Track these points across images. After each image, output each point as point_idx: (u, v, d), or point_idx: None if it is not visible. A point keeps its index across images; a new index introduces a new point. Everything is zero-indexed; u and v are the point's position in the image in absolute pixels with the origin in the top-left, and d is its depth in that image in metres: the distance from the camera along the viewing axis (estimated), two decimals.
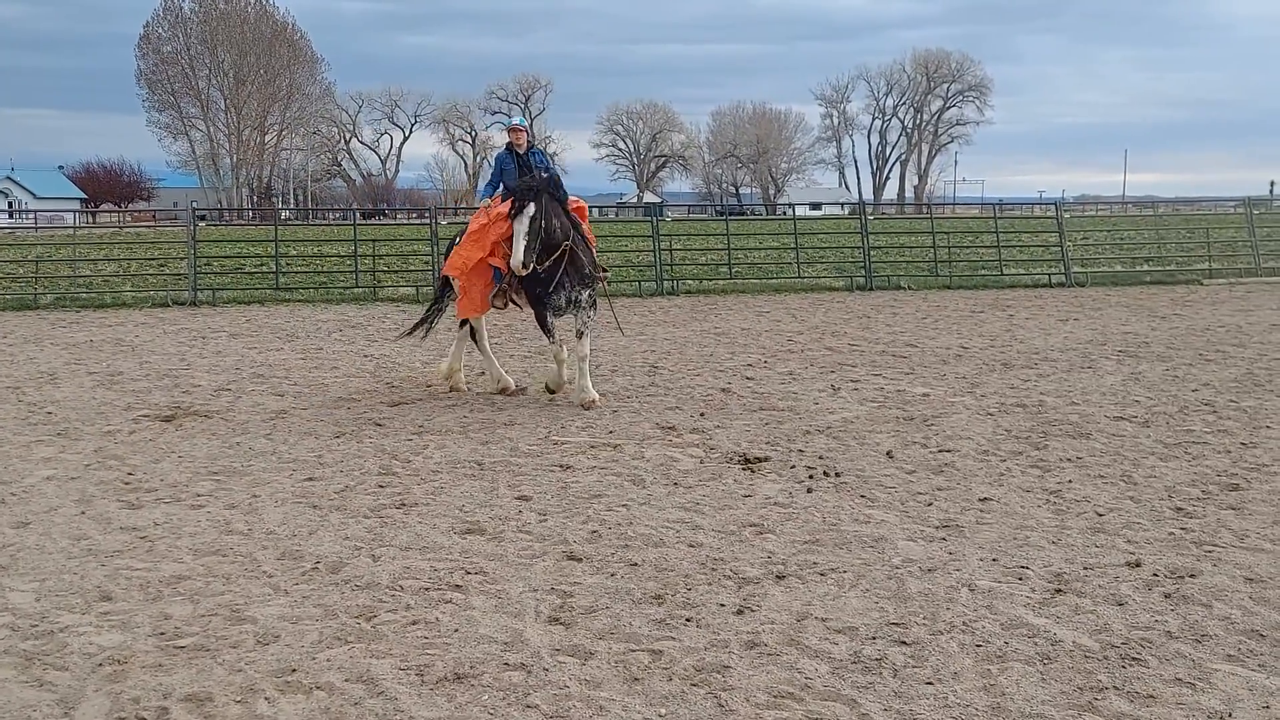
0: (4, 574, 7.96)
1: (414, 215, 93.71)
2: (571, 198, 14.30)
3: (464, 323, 15.22)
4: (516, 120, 13.89)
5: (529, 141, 14.31)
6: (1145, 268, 36.28)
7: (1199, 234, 41.79)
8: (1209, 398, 14.44)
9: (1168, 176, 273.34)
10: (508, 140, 14.64)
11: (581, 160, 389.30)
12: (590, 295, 14.12)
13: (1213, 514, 9.30)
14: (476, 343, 15.37)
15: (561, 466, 11.09)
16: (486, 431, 12.57)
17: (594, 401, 14.01)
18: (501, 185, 14.36)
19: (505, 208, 13.52)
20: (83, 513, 9.48)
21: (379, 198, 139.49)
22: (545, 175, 13.84)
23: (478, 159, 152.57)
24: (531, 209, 13.13)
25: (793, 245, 35.97)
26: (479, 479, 10.62)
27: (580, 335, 14.23)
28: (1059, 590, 7.54)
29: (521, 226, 13.11)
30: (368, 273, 31.53)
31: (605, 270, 14.78)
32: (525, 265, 13.15)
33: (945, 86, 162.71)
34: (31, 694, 6.04)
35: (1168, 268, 36.05)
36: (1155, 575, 7.83)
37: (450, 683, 6.15)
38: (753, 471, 10.85)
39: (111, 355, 19.22)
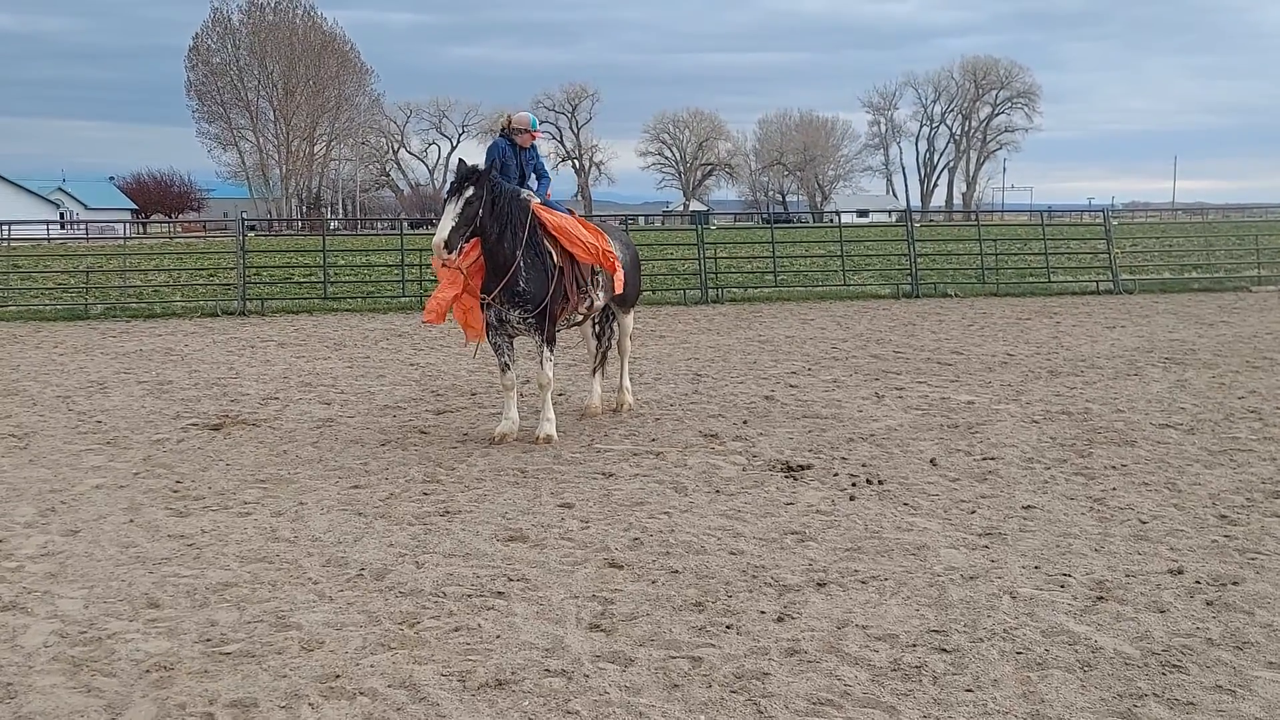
0: (53, 581, 8.07)
1: None
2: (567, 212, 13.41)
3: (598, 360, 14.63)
4: (525, 117, 13.19)
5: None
6: (1193, 274, 35.99)
7: (1247, 240, 41.43)
8: (1255, 405, 14.34)
9: (1218, 184, 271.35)
10: (507, 130, 13.32)
11: (628, 168, 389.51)
12: (523, 317, 12.52)
13: (1257, 521, 9.25)
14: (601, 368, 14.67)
15: (604, 474, 11.14)
16: (530, 439, 12.64)
17: (549, 439, 12.61)
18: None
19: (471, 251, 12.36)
20: (131, 520, 9.59)
21: (427, 208, 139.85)
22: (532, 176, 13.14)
23: None
24: (470, 191, 11.85)
25: (839, 253, 35.91)
26: (522, 486, 10.68)
27: (540, 361, 12.94)
28: (1100, 597, 7.52)
29: (454, 208, 11.81)
30: (415, 282, 31.58)
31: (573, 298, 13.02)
32: (448, 246, 11.71)
33: (994, 93, 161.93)
34: (79, 700, 6.12)
35: (1216, 274, 35.77)
36: (1197, 583, 7.80)
37: (491, 689, 6.20)
38: (795, 479, 10.86)
39: (161, 364, 19.41)
